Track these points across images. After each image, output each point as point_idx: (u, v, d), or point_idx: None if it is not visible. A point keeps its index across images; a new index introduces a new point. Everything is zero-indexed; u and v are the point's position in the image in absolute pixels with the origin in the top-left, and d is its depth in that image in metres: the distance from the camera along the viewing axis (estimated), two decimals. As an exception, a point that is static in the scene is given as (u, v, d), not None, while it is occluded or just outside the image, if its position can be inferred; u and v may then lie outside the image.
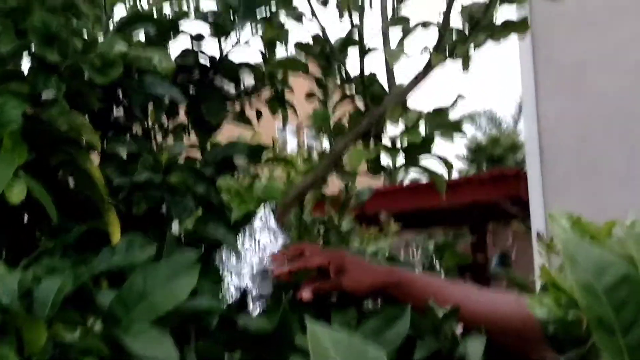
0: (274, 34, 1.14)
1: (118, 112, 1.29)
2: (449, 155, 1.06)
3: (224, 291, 0.92)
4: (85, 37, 0.82)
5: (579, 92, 4.24)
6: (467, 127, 20.29)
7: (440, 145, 1.01)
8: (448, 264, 1.01)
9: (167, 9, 1.42)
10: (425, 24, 0.95)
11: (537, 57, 4.30)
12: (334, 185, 1.82)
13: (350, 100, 1.08)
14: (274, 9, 1.31)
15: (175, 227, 0.95)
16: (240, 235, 1.00)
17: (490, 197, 6.89)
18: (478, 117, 20.42)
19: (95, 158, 1.01)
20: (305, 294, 0.98)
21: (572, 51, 4.18)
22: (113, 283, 0.85)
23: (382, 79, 1.08)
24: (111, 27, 1.00)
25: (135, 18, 0.99)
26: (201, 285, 0.91)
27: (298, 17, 1.11)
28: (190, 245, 0.98)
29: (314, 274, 1.00)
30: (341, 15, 0.96)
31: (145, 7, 1.22)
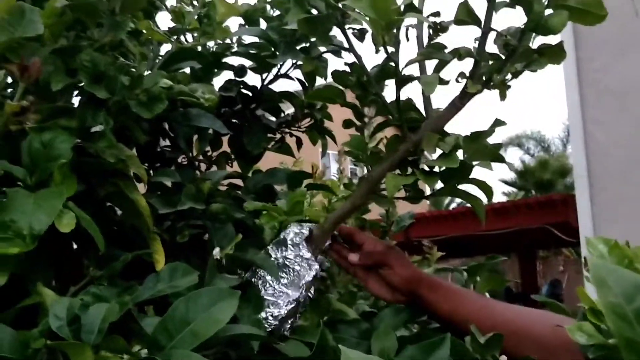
0: (312, 68, 1.17)
1: (164, 146, 1.34)
2: (494, 180, 1.06)
3: (262, 319, 0.94)
4: (132, 73, 0.86)
5: (627, 115, 4.14)
6: (514, 151, 19.93)
7: (484, 169, 1.01)
8: (483, 288, 0.99)
9: (211, 42, 1.47)
10: (460, 55, 0.96)
11: (582, 81, 4.24)
12: (375, 210, 1.82)
13: (387, 127, 1.10)
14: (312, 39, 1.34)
15: (216, 252, 0.98)
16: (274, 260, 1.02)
17: (538, 223, 6.75)
18: (525, 140, 20.06)
19: (141, 188, 1.05)
20: (353, 256, 1.09)
21: (618, 74, 4.10)
22: (159, 309, 0.88)
23: (419, 103, 1.09)
24: (156, 59, 1.04)
25: (180, 54, 1.03)
26: (241, 312, 0.93)
27: (336, 52, 1.13)
28: (231, 271, 1.00)
29: None
30: (377, 50, 0.98)
31: (190, 40, 1.27)
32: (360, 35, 1.04)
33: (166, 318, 0.71)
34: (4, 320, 0.65)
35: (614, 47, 4.06)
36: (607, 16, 0.97)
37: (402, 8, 0.87)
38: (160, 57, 1.04)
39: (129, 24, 0.85)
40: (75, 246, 0.88)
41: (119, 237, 0.94)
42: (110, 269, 0.81)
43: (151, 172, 1.23)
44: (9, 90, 0.89)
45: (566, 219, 6.03)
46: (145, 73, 0.90)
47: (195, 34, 1.07)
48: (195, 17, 1.03)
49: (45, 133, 0.79)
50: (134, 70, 0.84)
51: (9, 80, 0.84)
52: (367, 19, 0.85)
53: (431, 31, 1.03)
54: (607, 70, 4.22)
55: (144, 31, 0.95)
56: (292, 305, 0.97)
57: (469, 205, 1.05)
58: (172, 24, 1.17)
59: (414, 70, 1.03)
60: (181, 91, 0.93)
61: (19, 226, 0.69)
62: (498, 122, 0.98)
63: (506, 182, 19.44)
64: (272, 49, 1.39)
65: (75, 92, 0.92)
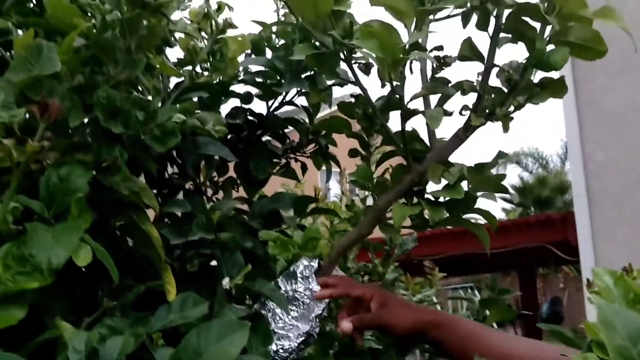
0: (319, 99, 1.20)
1: (172, 172, 1.36)
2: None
3: (273, 352, 0.96)
4: (147, 107, 0.88)
5: (625, 135, 4.18)
6: (512, 168, 19.96)
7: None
8: (493, 319, 1.01)
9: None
10: (464, 90, 0.98)
11: (580, 102, 4.28)
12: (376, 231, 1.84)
13: (392, 157, 1.12)
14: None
15: (225, 282, 0.99)
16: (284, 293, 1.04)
17: (538, 241, 6.76)
18: (524, 157, 20.11)
19: (150, 213, 1.07)
20: (345, 324, 0.98)
21: (616, 95, 4.15)
22: (167, 338, 0.89)
23: (423, 132, 1.12)
24: (167, 93, 1.07)
25: (191, 87, 1.06)
26: (250, 344, 0.95)
27: (341, 84, 1.16)
28: (240, 301, 1.02)
29: (349, 303, 1.03)
30: (383, 85, 1.00)
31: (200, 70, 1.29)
32: (366, 68, 1.06)
33: (179, 349, 0.73)
34: (23, 355, 0.67)
35: (612, 68, 4.11)
36: (607, 52, 1.00)
37: (407, 46, 0.90)
38: (169, 88, 1.06)
39: (144, 61, 0.87)
40: (89, 277, 0.90)
41: (130, 266, 0.96)
42: (123, 300, 0.83)
43: (159, 199, 1.26)
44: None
45: (565, 237, 6.05)
46: (159, 107, 0.92)
47: (206, 65, 1.09)
48: (207, 52, 1.05)
49: (63, 168, 0.82)
50: (148, 104, 0.87)
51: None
52: (374, 56, 0.88)
53: (435, 65, 1.06)
54: (605, 90, 4.27)
55: (157, 66, 0.98)
56: (303, 338, 0.98)
57: None
58: (181, 54, 1.20)
59: (418, 103, 1.06)
60: (194, 126, 0.96)
61: (38, 260, 0.71)
62: (501, 155, 1.01)
63: (505, 199, 19.47)
64: (278, 78, 1.42)
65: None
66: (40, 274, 0.70)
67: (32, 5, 1.08)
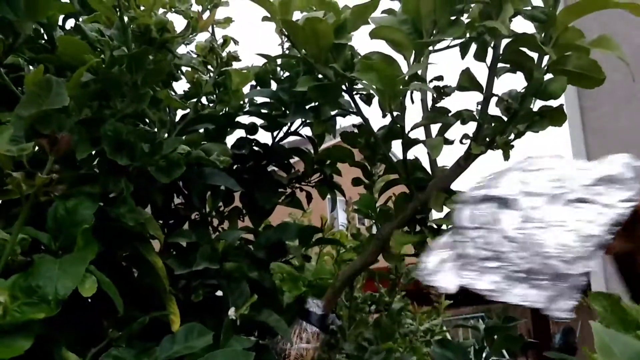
0: (323, 130, 1.22)
1: (178, 203, 1.38)
2: None
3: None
4: (152, 140, 0.90)
5: (633, 161, 4.15)
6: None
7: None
8: (499, 347, 1.00)
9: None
10: (464, 119, 1.00)
11: (587, 130, 4.28)
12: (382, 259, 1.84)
13: (395, 186, 1.13)
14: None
15: (231, 312, 1.00)
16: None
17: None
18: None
19: (155, 244, 1.08)
20: None
21: (623, 123, 4.15)
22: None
23: (425, 162, 1.13)
24: (173, 125, 1.09)
25: (196, 119, 1.08)
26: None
27: (344, 115, 1.18)
28: (245, 330, 1.02)
29: None
30: (384, 115, 1.02)
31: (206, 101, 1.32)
32: (367, 99, 1.08)
33: (184, 380, 0.73)
34: (30, 384, 0.67)
35: (617, 95, 4.12)
36: (605, 80, 1.02)
37: (406, 78, 0.92)
38: (176, 121, 1.08)
39: (150, 95, 0.89)
40: (94, 308, 0.91)
41: (135, 297, 0.97)
42: (128, 330, 0.84)
43: (165, 229, 1.27)
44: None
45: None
46: (164, 138, 0.94)
47: (211, 97, 1.12)
48: (212, 84, 1.08)
49: (70, 200, 0.84)
50: (153, 136, 0.89)
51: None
52: (375, 88, 0.90)
53: (435, 95, 1.08)
54: (611, 118, 4.27)
55: (163, 99, 1.00)
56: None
57: None
58: (187, 87, 1.23)
59: (419, 132, 1.08)
60: (198, 157, 0.97)
61: (45, 292, 0.72)
62: (502, 183, 1.01)
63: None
64: (283, 109, 1.44)
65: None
66: (46, 304, 0.72)
67: (43, 42, 1.12)
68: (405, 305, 1.77)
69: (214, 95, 1.11)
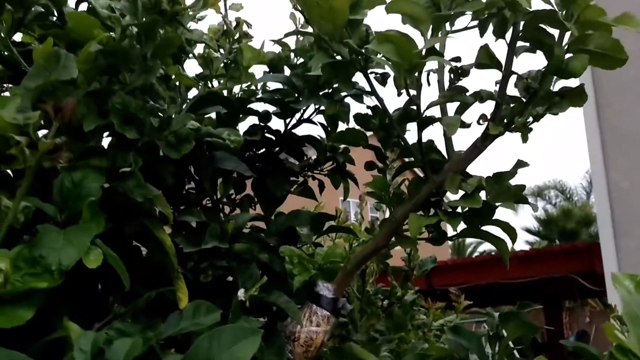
0: (335, 111, 1.19)
1: (189, 188, 1.36)
2: (518, 229, 1.05)
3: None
4: (162, 115, 0.88)
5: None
6: (536, 201, 19.70)
7: (507, 216, 1.01)
8: (513, 335, 0.96)
9: (236, 88, 1.51)
10: (482, 98, 0.97)
11: (603, 127, 4.23)
12: (397, 256, 1.81)
13: (409, 169, 1.10)
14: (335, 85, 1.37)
15: (240, 293, 0.98)
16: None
17: (563, 271, 6.62)
18: (547, 190, 19.86)
19: (166, 229, 1.07)
20: None
21: (638, 118, 4.09)
22: (183, 350, 0.88)
23: (441, 145, 1.10)
24: (183, 102, 1.07)
25: (207, 98, 1.06)
26: (263, 356, 0.92)
27: (358, 96, 1.15)
28: (255, 313, 1.00)
29: None
30: (399, 93, 0.99)
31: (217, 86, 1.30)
32: (382, 79, 1.06)
33: (189, 355, 0.71)
34: (31, 355, 0.66)
35: (634, 91, 4.06)
36: (627, 60, 0.98)
37: (424, 52, 0.90)
38: (188, 101, 1.06)
39: (160, 68, 0.88)
40: (100, 284, 0.89)
41: (143, 275, 0.95)
42: (134, 306, 0.82)
43: (176, 214, 1.25)
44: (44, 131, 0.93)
45: (591, 267, 5.92)
46: (173, 115, 0.92)
47: (222, 80, 1.09)
48: (223, 62, 1.06)
49: (76, 172, 0.82)
50: (163, 111, 0.87)
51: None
52: (390, 62, 0.87)
53: (452, 75, 1.05)
54: (628, 115, 4.21)
55: (173, 76, 0.98)
56: None
57: (491, 253, 1.04)
58: (199, 70, 1.21)
59: (435, 113, 1.05)
60: (208, 132, 0.95)
61: (48, 262, 0.70)
62: (520, 164, 0.99)
63: (530, 231, 19.19)
64: (296, 95, 1.42)
65: (106, 134, 0.95)
66: (49, 274, 0.70)
67: (54, 18, 1.10)
68: (417, 298, 1.74)
69: (225, 74, 1.08)
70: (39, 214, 0.80)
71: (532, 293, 8.50)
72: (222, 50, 1.18)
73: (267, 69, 1.51)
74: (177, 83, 1.12)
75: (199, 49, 1.17)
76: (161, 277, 0.95)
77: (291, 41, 1.54)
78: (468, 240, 21.03)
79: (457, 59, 1.06)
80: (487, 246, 19.81)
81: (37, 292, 0.69)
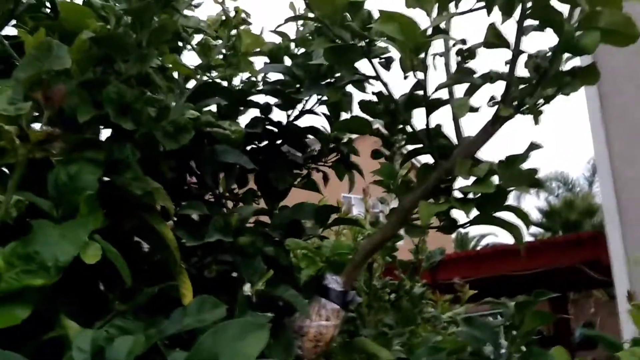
0: (337, 98, 1.16)
1: (191, 183, 1.33)
2: (519, 223, 1.01)
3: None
4: (159, 104, 0.85)
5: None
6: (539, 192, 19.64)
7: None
8: (529, 326, 0.92)
9: (236, 81, 1.48)
10: (491, 78, 0.94)
11: (607, 117, 4.19)
12: (403, 249, 1.78)
13: (417, 156, 1.07)
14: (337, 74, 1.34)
15: (246, 288, 0.94)
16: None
17: (568, 262, 6.58)
18: (549, 181, 19.80)
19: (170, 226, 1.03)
20: None
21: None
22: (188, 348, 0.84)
23: (449, 132, 1.07)
24: (182, 92, 1.03)
25: (206, 88, 1.03)
26: (271, 351, 0.89)
27: (361, 83, 1.12)
28: (262, 308, 0.97)
29: None
30: (405, 76, 0.96)
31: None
32: (387, 64, 1.02)
33: (193, 352, 0.68)
34: (25, 354, 0.62)
35: (638, 79, 4.02)
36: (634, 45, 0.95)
37: (429, 31, 0.86)
38: (187, 89, 1.03)
39: (155, 55, 0.84)
40: (100, 281, 0.86)
41: (146, 272, 0.91)
42: (135, 303, 0.78)
43: (178, 209, 1.22)
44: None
45: (597, 257, 5.88)
46: (172, 105, 0.89)
47: (221, 69, 1.06)
48: (222, 51, 1.02)
49: (72, 165, 0.79)
50: (160, 102, 0.83)
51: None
52: (395, 43, 0.84)
53: (459, 58, 1.01)
54: (632, 104, 4.17)
55: (170, 65, 0.95)
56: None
57: (495, 245, 1.01)
58: (199, 62, 1.17)
59: (442, 97, 1.01)
60: (208, 121, 0.92)
61: (44, 258, 0.67)
62: (533, 146, 0.95)
63: (533, 223, 19.13)
64: (297, 86, 1.38)
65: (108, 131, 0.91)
66: (45, 271, 0.66)
67: (47, 10, 1.07)
68: (426, 290, 1.70)
69: (224, 64, 1.04)
70: (35, 211, 0.77)
71: (537, 285, 8.47)
72: (220, 40, 1.15)
73: (268, 60, 1.47)
74: (176, 74, 1.08)
75: (198, 40, 1.13)
76: (164, 274, 0.91)
77: (291, 32, 1.51)
78: (471, 233, 20.99)
79: (464, 42, 1.03)
80: (490, 239, 19.76)
81: (32, 290, 0.65)
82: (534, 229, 19.28)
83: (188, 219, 1.03)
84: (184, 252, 0.97)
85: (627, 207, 4.24)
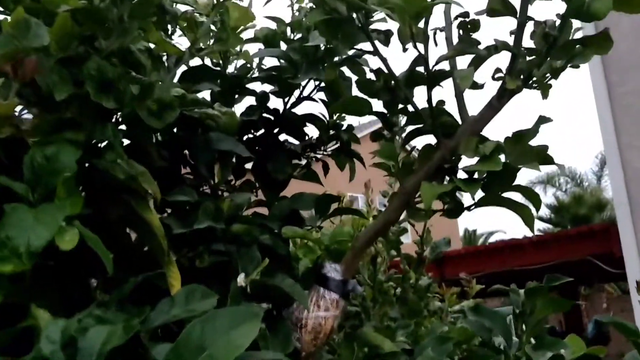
0: (335, 76, 1.10)
1: (185, 173, 1.27)
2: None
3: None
4: (142, 81, 0.80)
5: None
6: (547, 188, 19.51)
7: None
8: (541, 314, 0.88)
9: (231, 68, 1.43)
10: (497, 48, 0.88)
11: (615, 107, 4.11)
12: (406, 249, 1.72)
13: (419, 136, 1.01)
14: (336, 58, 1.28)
15: (240, 279, 0.89)
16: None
17: (580, 255, 6.49)
18: (557, 177, 19.66)
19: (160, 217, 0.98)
20: None
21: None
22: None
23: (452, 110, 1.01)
24: (168, 71, 0.99)
25: (198, 70, 0.97)
26: (267, 344, 0.84)
27: (360, 72, 1.06)
28: (258, 299, 0.92)
29: None
30: (405, 49, 0.91)
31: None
32: (385, 38, 0.97)
33: (179, 343, 0.63)
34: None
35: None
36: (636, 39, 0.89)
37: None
38: (175, 69, 0.98)
39: (136, 28, 0.79)
40: (82, 269, 0.80)
41: (133, 262, 0.86)
42: (119, 293, 0.73)
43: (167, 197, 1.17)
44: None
45: (608, 249, 5.79)
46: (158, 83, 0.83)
47: (209, 46, 1.01)
48: (210, 27, 0.97)
49: (49, 146, 0.73)
50: (142, 79, 0.78)
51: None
52: (394, 10, 0.78)
53: (461, 31, 0.96)
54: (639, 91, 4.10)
55: (153, 45, 0.89)
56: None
57: (504, 240, 0.95)
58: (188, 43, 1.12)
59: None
60: (194, 100, 0.87)
61: (16, 243, 0.62)
62: (543, 120, 0.89)
63: (542, 219, 18.98)
64: (294, 71, 1.33)
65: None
66: (17, 257, 0.61)
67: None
68: (432, 283, 1.65)
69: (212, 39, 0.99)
70: (10, 195, 0.72)
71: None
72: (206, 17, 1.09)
73: (263, 47, 1.42)
74: (165, 56, 1.03)
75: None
76: (154, 265, 0.86)
77: (287, 17, 1.46)
78: (479, 230, 20.86)
79: (466, 14, 0.97)
80: (498, 236, 19.62)
81: (2, 277, 0.60)
82: (542, 226, 19.12)
83: (179, 207, 0.97)
84: (176, 242, 0.92)
85: (637, 198, 4.17)
